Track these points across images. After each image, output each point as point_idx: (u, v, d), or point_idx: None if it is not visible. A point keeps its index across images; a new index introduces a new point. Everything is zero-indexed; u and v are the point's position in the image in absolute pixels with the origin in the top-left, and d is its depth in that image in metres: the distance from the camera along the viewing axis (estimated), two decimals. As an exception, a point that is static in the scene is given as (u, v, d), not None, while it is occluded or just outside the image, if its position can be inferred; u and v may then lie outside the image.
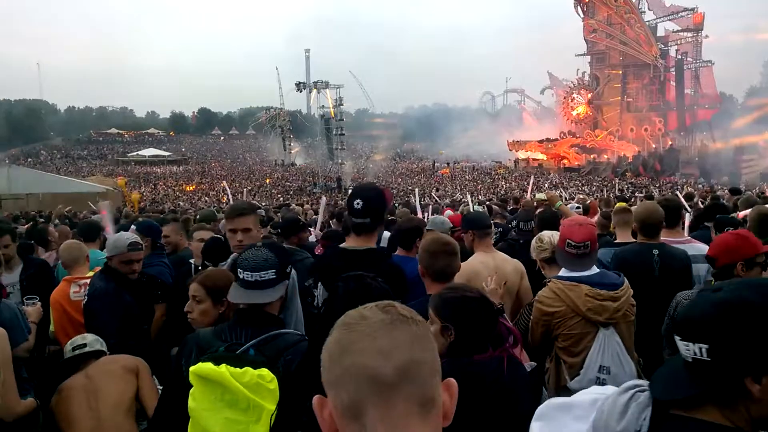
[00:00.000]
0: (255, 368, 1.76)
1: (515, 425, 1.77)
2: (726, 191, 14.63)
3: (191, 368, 1.80)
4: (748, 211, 5.69)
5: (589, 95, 56.29)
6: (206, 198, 38.80)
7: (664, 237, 3.65)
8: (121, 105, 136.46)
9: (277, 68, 77.14)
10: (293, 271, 2.41)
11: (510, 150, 59.48)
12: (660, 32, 53.68)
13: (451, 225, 4.41)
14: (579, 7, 54.51)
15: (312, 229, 6.92)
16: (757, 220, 3.77)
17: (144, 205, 28.40)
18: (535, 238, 3.38)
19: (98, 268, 3.68)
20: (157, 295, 3.72)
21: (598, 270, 2.81)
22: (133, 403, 2.77)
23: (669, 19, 51.91)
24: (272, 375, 1.76)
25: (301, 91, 60.71)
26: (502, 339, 2.03)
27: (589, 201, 10.09)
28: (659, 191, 23.61)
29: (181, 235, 4.92)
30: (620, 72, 53.94)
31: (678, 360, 1.16)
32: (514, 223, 4.84)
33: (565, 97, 58.64)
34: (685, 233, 4.31)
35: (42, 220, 11.25)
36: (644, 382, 1.20)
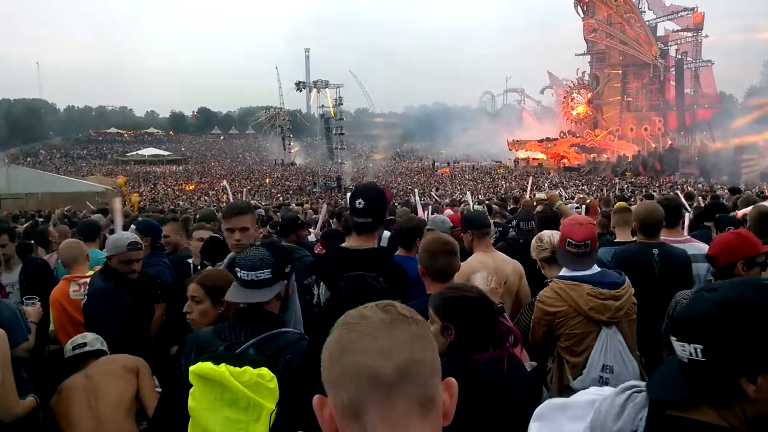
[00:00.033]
0: (255, 367, 1.76)
1: (515, 425, 1.77)
2: (726, 191, 14.65)
3: (191, 368, 1.80)
4: (748, 209, 5.69)
5: (589, 95, 56.31)
6: (206, 197, 38.79)
7: (664, 236, 3.65)
8: (120, 104, 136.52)
9: (276, 68, 77.26)
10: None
11: (510, 149, 59.49)
12: (660, 32, 53.71)
13: (451, 224, 4.41)
14: (579, 6, 54.53)
15: (312, 229, 6.93)
16: (757, 220, 3.77)
17: (143, 204, 28.42)
18: (535, 237, 3.38)
19: (98, 268, 3.68)
20: (157, 294, 3.72)
21: (599, 269, 2.81)
22: (133, 403, 2.77)
23: (669, 19, 51.92)
24: (272, 374, 1.76)
25: (300, 91, 60.71)
26: (503, 339, 2.03)
27: (588, 200, 10.09)
28: (659, 191, 23.62)
29: (181, 234, 4.92)
30: (620, 71, 53.95)
31: (674, 361, 1.17)
32: (514, 222, 4.84)
33: (565, 97, 58.66)
34: (685, 232, 4.31)
35: (42, 219, 11.25)
36: (641, 383, 1.21)
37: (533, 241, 3.36)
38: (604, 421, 1.15)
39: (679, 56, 51.26)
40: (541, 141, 57.10)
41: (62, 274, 3.89)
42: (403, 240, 3.63)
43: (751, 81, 75.66)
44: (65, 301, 3.60)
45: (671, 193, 14.79)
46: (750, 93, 67.76)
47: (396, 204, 12.86)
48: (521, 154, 58.59)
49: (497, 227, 5.61)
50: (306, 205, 16.42)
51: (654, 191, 21.68)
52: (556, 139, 56.51)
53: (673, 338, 1.16)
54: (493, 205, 9.60)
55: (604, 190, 25.97)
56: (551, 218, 4.30)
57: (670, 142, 48.48)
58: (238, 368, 1.75)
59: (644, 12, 52.50)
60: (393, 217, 6.53)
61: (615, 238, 4.38)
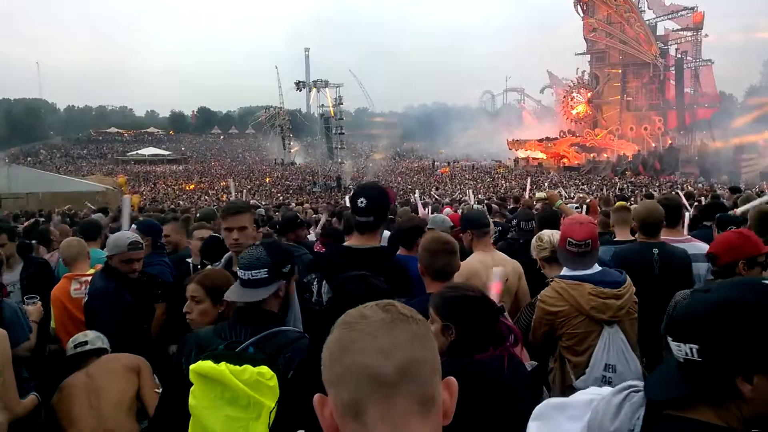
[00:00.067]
0: (254, 366, 1.76)
1: (515, 424, 1.77)
2: (726, 190, 14.65)
3: (191, 366, 1.81)
4: (746, 206, 5.69)
5: (589, 94, 56.28)
6: (206, 197, 38.79)
7: (665, 236, 3.64)
8: (120, 104, 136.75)
9: (276, 67, 77.25)
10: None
11: (510, 149, 59.46)
12: (660, 31, 53.68)
13: (451, 224, 4.41)
14: (579, 6, 54.49)
15: (312, 229, 6.94)
16: (757, 219, 3.77)
17: (144, 204, 28.38)
18: (535, 237, 3.38)
19: (99, 266, 3.69)
20: (157, 294, 3.72)
21: (600, 268, 2.81)
22: (134, 402, 2.77)
23: (669, 18, 51.89)
24: (272, 372, 1.77)
25: (300, 90, 60.73)
26: (503, 338, 2.03)
27: (588, 200, 10.10)
28: (659, 190, 23.61)
29: (182, 234, 4.92)
30: (620, 71, 53.93)
31: (672, 361, 1.17)
32: (514, 222, 4.84)
33: (564, 96, 58.62)
34: (685, 232, 4.31)
35: (43, 219, 11.26)
36: (639, 383, 1.21)
37: (533, 241, 3.36)
38: (601, 421, 1.16)
39: (679, 55, 51.22)
40: (540, 140, 57.07)
41: (63, 273, 3.90)
42: (404, 239, 3.63)
43: (751, 80, 75.81)
44: (66, 299, 3.61)
45: (672, 193, 14.80)
46: (750, 92, 67.76)
47: (396, 204, 12.86)
48: (521, 153, 58.56)
49: (497, 227, 5.62)
50: (306, 205, 16.40)
51: (654, 191, 21.67)
52: (556, 138, 56.48)
53: (669, 338, 1.16)
54: (493, 205, 9.61)
55: (604, 190, 25.97)
56: (551, 218, 4.30)
57: (670, 142, 48.46)
58: (238, 367, 1.75)
59: (644, 11, 52.49)
60: (393, 217, 6.53)
61: (614, 237, 4.39)
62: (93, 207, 14.39)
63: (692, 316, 1.12)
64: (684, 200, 6.63)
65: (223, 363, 1.76)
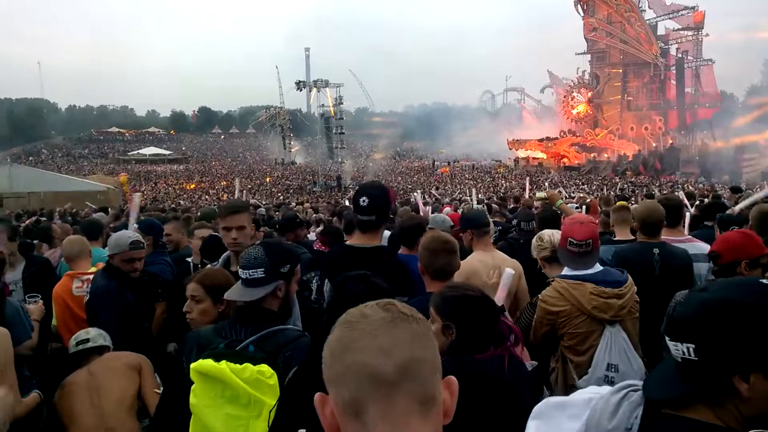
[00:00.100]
0: (255, 364, 1.77)
1: (516, 424, 1.78)
2: (727, 190, 14.64)
3: (192, 365, 1.82)
4: (744, 203, 5.69)
5: (590, 94, 56.19)
6: (206, 196, 38.81)
7: (665, 236, 3.63)
8: (121, 104, 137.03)
9: (277, 67, 77.17)
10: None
11: (510, 149, 59.39)
12: (660, 31, 53.57)
13: (451, 223, 4.41)
14: (579, 5, 54.42)
15: (312, 229, 6.94)
16: (758, 219, 3.76)
17: (144, 203, 28.39)
18: (535, 237, 3.38)
19: (101, 264, 3.70)
20: (158, 293, 3.73)
21: (601, 268, 2.81)
22: (135, 400, 2.78)
23: (669, 18, 51.79)
24: (272, 371, 1.78)
25: (301, 90, 60.61)
26: (504, 338, 2.03)
27: (589, 200, 10.09)
28: (659, 190, 23.60)
29: (183, 233, 4.94)
30: (620, 71, 53.84)
31: (670, 360, 1.18)
32: (514, 222, 4.84)
33: (565, 96, 58.53)
34: (686, 232, 4.31)
35: (44, 218, 11.27)
36: (638, 382, 1.22)
37: (534, 240, 3.36)
38: (599, 419, 1.16)
39: (680, 55, 51.12)
40: (541, 140, 57.00)
41: (65, 271, 3.91)
42: (405, 238, 3.63)
43: (752, 80, 75.65)
44: (68, 297, 3.62)
45: (673, 193, 14.78)
46: (751, 92, 67.63)
47: (396, 203, 12.85)
48: (521, 153, 58.50)
49: (497, 226, 5.62)
50: (306, 204, 16.42)
51: (654, 191, 21.66)
52: (557, 138, 56.41)
53: (666, 338, 1.17)
54: (493, 204, 9.61)
55: (605, 190, 25.95)
56: (552, 217, 4.31)
57: (670, 142, 48.41)
58: (238, 365, 1.76)
59: (644, 11, 52.38)
60: (392, 217, 6.53)
61: (615, 236, 4.38)
62: (94, 206, 14.41)
63: (688, 316, 1.13)
64: (685, 200, 6.62)
65: (223, 361, 1.77)
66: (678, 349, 1.13)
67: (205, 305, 2.44)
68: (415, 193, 9.55)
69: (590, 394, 1.24)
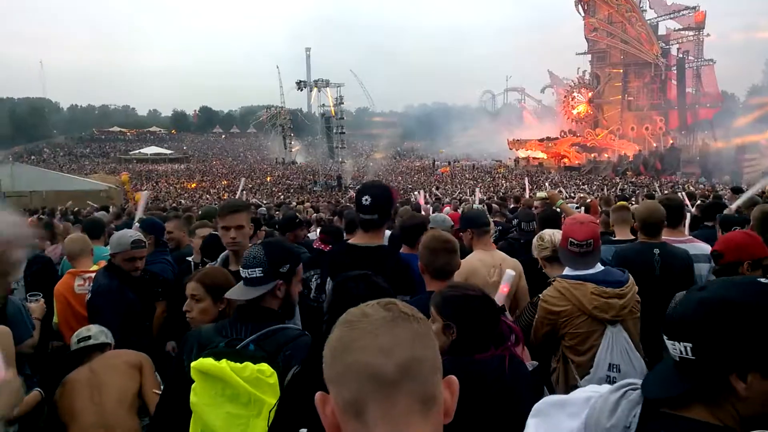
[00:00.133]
0: (255, 363, 1.77)
1: (516, 424, 1.78)
2: (728, 190, 14.62)
3: (192, 364, 1.82)
4: (739, 201, 5.70)
5: (590, 94, 56.14)
6: (207, 196, 38.83)
7: (666, 236, 3.63)
8: (123, 103, 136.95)
9: (278, 67, 77.14)
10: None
11: (510, 149, 59.36)
12: (661, 31, 53.52)
13: (452, 223, 4.42)
14: (580, 5, 54.37)
15: (312, 228, 6.95)
16: (760, 219, 3.75)
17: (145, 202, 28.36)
18: (536, 236, 3.38)
19: (102, 263, 3.70)
20: (158, 292, 3.74)
21: (602, 268, 2.80)
22: (135, 398, 2.78)
23: (670, 18, 51.74)
24: (272, 370, 1.78)
25: (301, 90, 60.46)
26: (504, 338, 2.03)
27: (589, 200, 10.09)
28: (660, 191, 23.56)
29: (184, 231, 4.95)
30: (621, 71, 53.80)
31: (669, 360, 1.18)
32: (515, 222, 4.85)
33: (565, 96, 58.49)
34: (686, 231, 4.30)
35: (45, 217, 11.27)
36: (637, 381, 1.22)
37: (534, 240, 3.36)
38: (598, 418, 1.16)
39: (681, 55, 51.09)
40: (541, 140, 56.96)
41: (67, 269, 3.92)
42: (407, 237, 3.63)
43: (753, 80, 75.62)
44: (70, 295, 3.62)
45: (672, 193, 14.76)
46: (752, 92, 67.55)
47: (397, 203, 12.84)
48: (521, 153, 58.46)
49: (497, 226, 5.62)
50: (306, 204, 16.43)
51: (655, 191, 21.65)
52: (557, 138, 56.37)
53: (664, 337, 1.17)
54: (493, 204, 9.62)
55: (605, 190, 25.92)
56: (552, 217, 4.31)
57: (671, 142, 48.37)
58: (238, 364, 1.76)
59: (645, 11, 52.33)
60: (393, 216, 6.53)
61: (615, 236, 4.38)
62: (95, 205, 14.43)
63: (685, 315, 1.13)
64: (686, 200, 6.62)
65: (223, 360, 1.77)
66: (676, 348, 1.13)
67: (205, 304, 2.44)
68: (416, 192, 9.58)
69: (590, 393, 1.24)
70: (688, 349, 1.10)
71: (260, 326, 1.99)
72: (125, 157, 75.93)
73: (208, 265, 3.22)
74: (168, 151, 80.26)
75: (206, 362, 1.79)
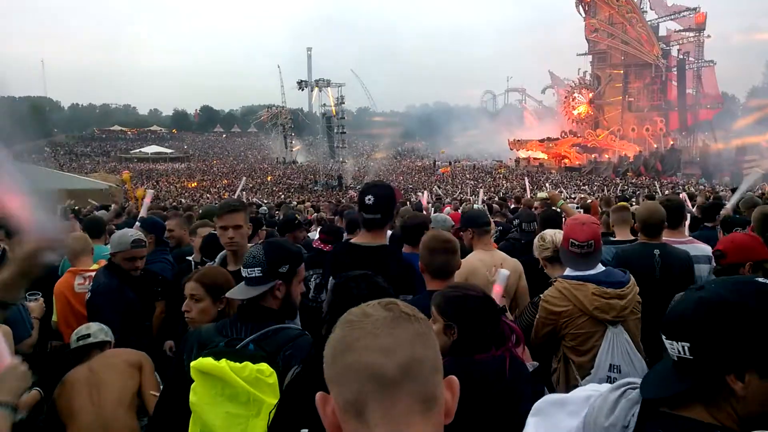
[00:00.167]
0: (254, 363, 1.77)
1: (517, 424, 1.78)
2: (728, 191, 14.62)
3: (192, 363, 1.82)
4: (733, 200, 5.70)
5: (591, 95, 56.20)
6: (208, 195, 38.86)
7: (667, 237, 3.62)
8: (124, 102, 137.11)
9: (279, 66, 77.26)
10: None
11: (511, 149, 59.43)
12: (662, 32, 53.62)
13: (452, 223, 4.42)
14: (580, 6, 54.43)
15: (313, 227, 6.95)
16: (760, 220, 3.75)
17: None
18: (537, 237, 3.38)
19: (103, 262, 3.70)
20: (157, 291, 3.74)
21: (603, 268, 2.80)
22: (134, 398, 2.76)
23: (671, 19, 51.81)
24: (271, 369, 1.78)
25: (302, 90, 60.55)
26: (505, 338, 2.03)
27: (590, 201, 10.10)
28: (660, 192, 23.58)
29: (185, 229, 4.95)
30: (622, 71, 53.87)
31: (668, 360, 1.18)
32: (516, 222, 4.84)
33: (566, 97, 58.56)
34: (686, 232, 4.30)
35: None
36: (637, 380, 1.21)
37: (536, 241, 3.36)
38: (597, 416, 1.16)
39: (681, 56, 51.14)
40: (542, 141, 57.01)
41: (67, 268, 3.91)
42: (409, 236, 3.64)
43: (753, 81, 75.63)
44: (69, 293, 3.62)
45: (673, 194, 14.77)
46: (752, 93, 67.60)
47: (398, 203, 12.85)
48: (522, 153, 58.51)
49: (498, 226, 5.62)
50: (307, 204, 16.45)
51: (656, 192, 21.64)
52: (558, 138, 56.43)
53: (663, 336, 1.17)
54: (494, 205, 9.63)
55: (605, 190, 25.93)
56: (553, 217, 4.30)
57: (671, 143, 48.43)
58: (238, 364, 1.76)
59: (646, 12, 52.43)
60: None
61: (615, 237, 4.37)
62: (97, 204, 14.45)
63: (683, 315, 1.13)
64: (688, 202, 6.61)
65: (223, 360, 1.77)
66: (674, 347, 1.13)
67: (205, 304, 2.43)
68: (419, 193, 9.60)
69: (590, 392, 1.24)
70: (686, 348, 1.10)
71: (260, 326, 1.99)
72: (126, 156, 76.04)
73: (207, 265, 3.22)
74: (169, 151, 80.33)
75: (206, 362, 1.78)
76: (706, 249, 3.61)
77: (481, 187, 22.51)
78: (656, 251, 3.40)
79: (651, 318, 2.98)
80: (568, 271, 2.83)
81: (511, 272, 3.42)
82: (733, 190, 11.26)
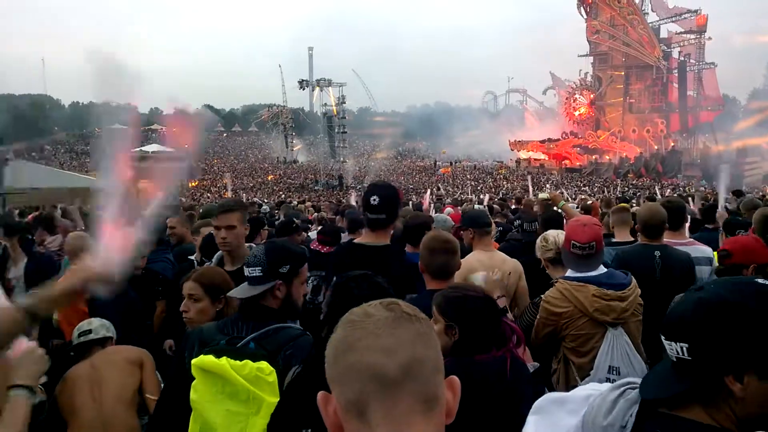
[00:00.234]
0: (255, 361, 1.77)
1: (517, 425, 1.78)
2: (729, 193, 14.60)
3: (193, 361, 1.82)
4: (720, 200, 5.69)
5: (592, 96, 56.23)
6: (208, 194, 38.87)
7: (667, 239, 3.62)
8: (125, 101, 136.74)
9: (280, 66, 77.37)
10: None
11: (512, 150, 59.42)
12: (663, 34, 53.65)
13: (453, 223, 4.42)
14: (582, 8, 54.46)
15: (313, 227, 6.96)
16: (761, 221, 3.75)
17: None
18: (540, 237, 3.38)
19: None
20: (158, 291, 3.74)
21: (605, 270, 2.79)
22: (135, 395, 2.76)
23: (672, 21, 51.84)
24: (271, 368, 1.78)
25: (303, 89, 60.55)
26: (506, 339, 2.04)
27: (590, 202, 10.10)
28: (661, 193, 23.58)
29: (187, 227, 4.95)
30: (623, 73, 53.90)
31: (667, 360, 1.18)
32: (517, 223, 4.85)
33: (567, 98, 58.60)
34: (687, 234, 4.30)
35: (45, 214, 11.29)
36: (637, 380, 1.21)
37: (538, 241, 3.36)
38: (595, 415, 1.16)
39: (682, 58, 51.18)
40: (542, 141, 57.01)
41: (67, 265, 3.92)
42: (411, 236, 3.64)
43: (754, 83, 75.69)
44: (70, 293, 3.62)
45: (674, 195, 14.77)
46: (753, 95, 67.62)
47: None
48: (523, 154, 58.52)
49: (498, 227, 5.62)
50: (307, 203, 16.47)
51: (656, 194, 21.63)
52: (558, 139, 56.42)
53: (662, 337, 1.17)
54: (495, 205, 9.63)
55: (606, 192, 25.92)
56: (554, 218, 4.30)
57: (672, 144, 48.45)
58: (238, 362, 1.77)
59: (647, 14, 52.49)
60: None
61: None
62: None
63: (682, 315, 1.13)
64: (692, 205, 6.61)
65: (224, 358, 1.77)
66: (673, 348, 1.13)
67: (203, 304, 2.43)
68: (425, 193, 9.65)
69: (590, 391, 1.25)
70: (685, 349, 1.10)
71: (261, 325, 1.99)
72: (126, 155, 75.92)
73: (204, 265, 3.21)
74: (169, 149, 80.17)
75: (207, 359, 1.79)
76: (706, 251, 3.61)
77: (485, 192, 22.52)
78: (657, 253, 3.39)
79: (651, 320, 2.98)
80: (569, 273, 2.82)
81: (512, 273, 3.43)
82: (734, 192, 11.27)
